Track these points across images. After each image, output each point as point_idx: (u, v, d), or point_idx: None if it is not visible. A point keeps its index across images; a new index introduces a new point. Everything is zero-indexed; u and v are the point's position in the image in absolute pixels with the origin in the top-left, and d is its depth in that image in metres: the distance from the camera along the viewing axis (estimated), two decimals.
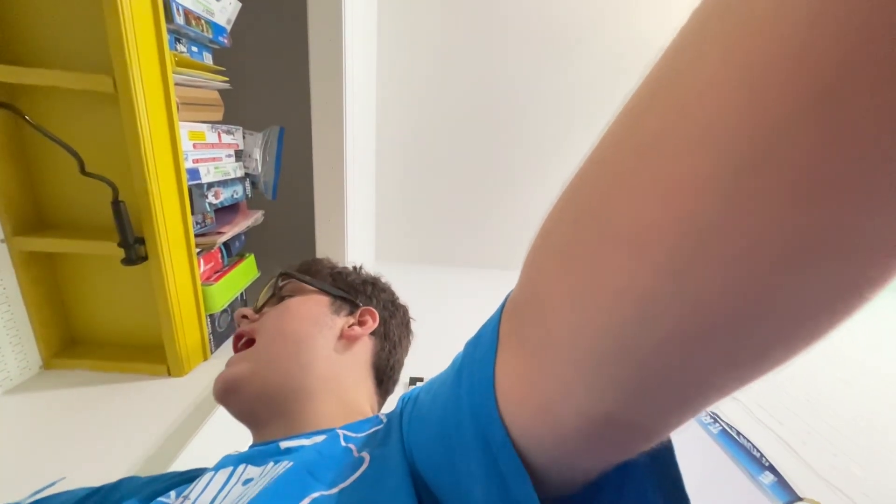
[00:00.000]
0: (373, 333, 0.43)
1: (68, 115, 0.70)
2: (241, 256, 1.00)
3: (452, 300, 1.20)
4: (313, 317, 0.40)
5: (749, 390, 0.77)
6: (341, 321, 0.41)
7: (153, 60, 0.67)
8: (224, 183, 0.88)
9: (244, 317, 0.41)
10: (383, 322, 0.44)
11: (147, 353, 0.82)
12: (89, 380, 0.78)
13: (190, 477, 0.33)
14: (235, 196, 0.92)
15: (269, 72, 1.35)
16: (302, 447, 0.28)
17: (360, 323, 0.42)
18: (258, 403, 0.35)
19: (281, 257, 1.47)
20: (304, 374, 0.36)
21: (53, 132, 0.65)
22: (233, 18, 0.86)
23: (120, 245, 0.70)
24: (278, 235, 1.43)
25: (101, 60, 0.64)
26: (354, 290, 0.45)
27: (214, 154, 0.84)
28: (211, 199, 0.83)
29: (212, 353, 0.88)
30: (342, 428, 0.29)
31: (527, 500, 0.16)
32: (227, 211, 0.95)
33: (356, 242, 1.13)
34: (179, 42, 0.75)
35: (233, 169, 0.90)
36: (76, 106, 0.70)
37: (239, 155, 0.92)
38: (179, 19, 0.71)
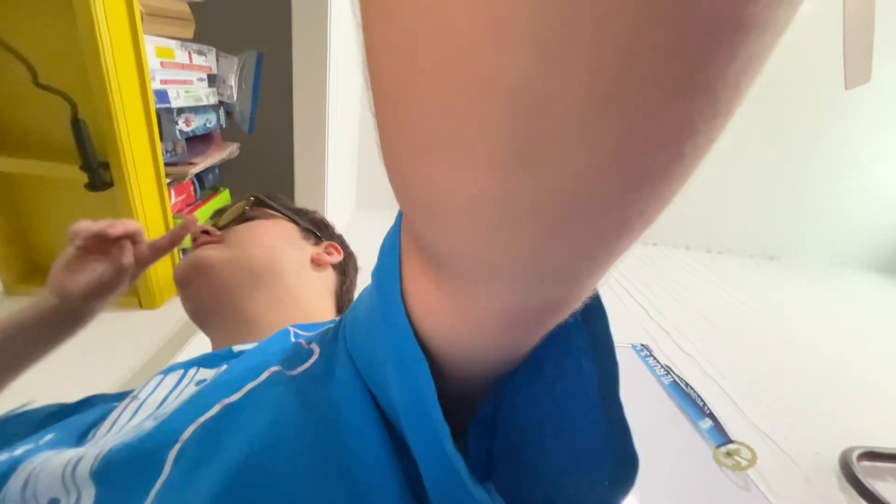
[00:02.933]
0: (334, 267, 0.44)
1: (18, 18, 0.62)
2: (214, 191, 0.97)
3: None
4: (286, 235, 0.40)
5: (704, 349, 0.81)
6: (311, 248, 0.42)
7: None
8: (196, 109, 0.82)
9: (205, 232, 0.38)
10: (344, 260, 0.45)
11: None
12: None
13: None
14: (208, 125, 0.87)
15: None
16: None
17: (327, 254, 0.43)
18: (221, 295, 0.34)
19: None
20: (275, 280, 0.36)
21: (1, 37, 0.58)
22: None
23: (82, 168, 0.66)
24: (254, 171, 1.37)
25: None
26: (317, 227, 0.46)
27: (185, 76, 0.78)
28: (182, 125, 0.78)
29: None
30: (293, 326, 0.28)
31: (424, 381, 0.15)
32: (199, 141, 0.89)
33: (336, 185, 1.10)
34: None
35: (205, 95, 0.84)
36: (27, 9, 0.62)
37: (212, 80, 0.85)
38: None
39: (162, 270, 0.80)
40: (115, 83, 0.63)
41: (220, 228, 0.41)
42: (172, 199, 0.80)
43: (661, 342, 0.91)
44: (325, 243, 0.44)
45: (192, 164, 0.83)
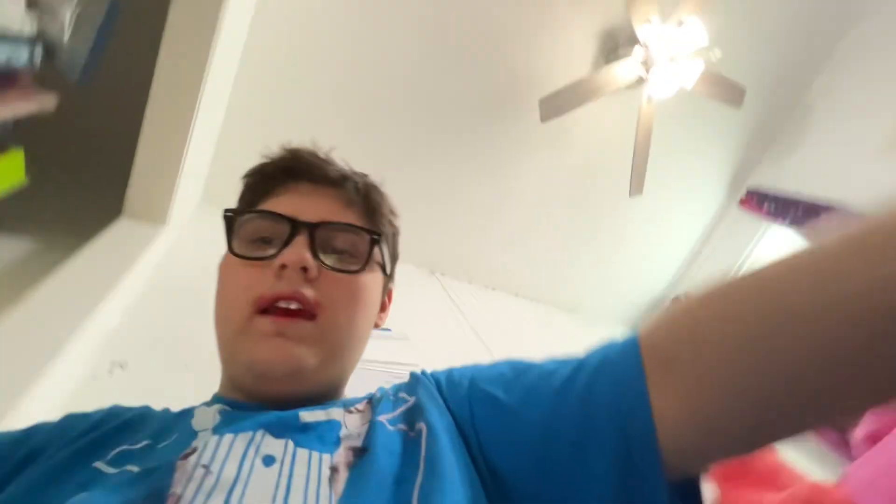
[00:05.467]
0: None
1: None
2: (2, 149, 0.71)
3: None
4: (375, 303, 0.37)
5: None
6: (379, 301, 0.39)
7: None
8: None
9: (305, 269, 0.31)
10: None
11: None
12: None
13: (166, 423, 0.30)
14: (13, 61, 0.65)
15: None
16: (319, 424, 0.28)
17: (382, 308, 0.40)
18: (303, 385, 0.32)
19: (70, 168, 1.09)
20: (353, 365, 0.36)
21: None
22: None
23: None
24: (74, 137, 1.08)
25: None
26: (394, 261, 0.42)
27: None
28: None
29: None
30: (379, 415, 0.29)
31: (656, 485, 0.21)
32: None
33: (189, 173, 0.92)
34: None
35: (17, 20, 0.63)
36: None
37: (33, 4, 0.65)
38: None
39: None
40: None
41: (319, 260, 0.32)
42: None
43: None
44: (390, 290, 0.42)
45: None
